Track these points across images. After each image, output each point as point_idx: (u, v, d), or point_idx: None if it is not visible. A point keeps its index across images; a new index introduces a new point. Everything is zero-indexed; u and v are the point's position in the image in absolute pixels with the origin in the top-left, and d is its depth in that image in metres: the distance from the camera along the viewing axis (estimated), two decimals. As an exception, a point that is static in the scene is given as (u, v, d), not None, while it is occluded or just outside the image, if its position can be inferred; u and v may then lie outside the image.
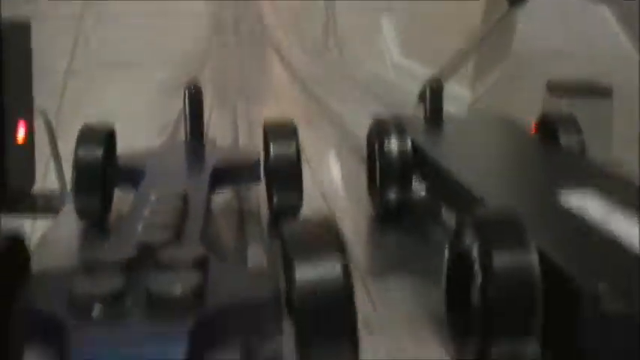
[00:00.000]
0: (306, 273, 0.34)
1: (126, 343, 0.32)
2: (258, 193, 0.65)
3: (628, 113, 1.03)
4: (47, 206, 0.88)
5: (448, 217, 0.56)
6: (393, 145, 0.61)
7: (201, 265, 0.37)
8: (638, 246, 0.39)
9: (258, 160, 0.62)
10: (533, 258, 0.36)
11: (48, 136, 1.09)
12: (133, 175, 0.60)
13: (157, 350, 0.32)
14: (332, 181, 0.79)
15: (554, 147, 0.62)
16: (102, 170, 0.59)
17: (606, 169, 0.55)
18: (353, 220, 0.64)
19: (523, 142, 0.65)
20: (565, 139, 0.63)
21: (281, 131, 0.61)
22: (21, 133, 0.85)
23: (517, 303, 0.35)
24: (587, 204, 0.46)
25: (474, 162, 0.58)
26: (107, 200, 0.61)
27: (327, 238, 0.35)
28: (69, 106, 1.50)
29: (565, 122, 0.64)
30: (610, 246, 0.40)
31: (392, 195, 0.61)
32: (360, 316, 0.35)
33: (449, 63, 1.22)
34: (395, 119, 0.63)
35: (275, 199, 0.60)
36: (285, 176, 0.60)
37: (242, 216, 0.64)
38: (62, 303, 0.34)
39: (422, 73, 1.26)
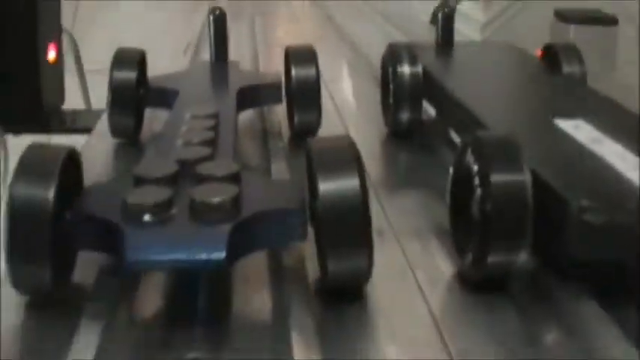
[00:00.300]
0: (329, 185, 0.39)
1: (174, 243, 0.38)
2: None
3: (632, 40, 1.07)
4: (76, 124, 0.93)
5: (454, 137, 0.61)
6: (405, 69, 0.66)
7: (236, 178, 0.42)
8: (620, 167, 0.44)
9: (280, 83, 0.67)
10: (526, 176, 0.41)
11: (74, 57, 1.13)
12: (164, 96, 0.64)
13: (201, 249, 0.37)
14: (348, 102, 0.83)
15: (556, 75, 0.66)
16: (135, 91, 0.64)
17: (603, 97, 0.59)
18: (367, 137, 0.68)
19: (527, 69, 0.69)
20: (567, 68, 0.67)
21: (302, 56, 0.66)
22: (52, 55, 0.90)
23: (510, 215, 0.40)
24: (581, 129, 0.51)
25: (479, 87, 0.63)
26: (139, 119, 0.66)
27: (346, 154, 0.41)
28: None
29: (568, 52, 0.68)
30: (596, 166, 0.45)
31: (404, 115, 0.66)
32: (373, 225, 0.40)
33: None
34: (408, 46, 0.68)
35: (296, 119, 0.65)
36: (306, 97, 0.65)
37: (265, 134, 0.69)
38: (116, 211, 0.40)
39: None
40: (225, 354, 0.37)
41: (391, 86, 0.66)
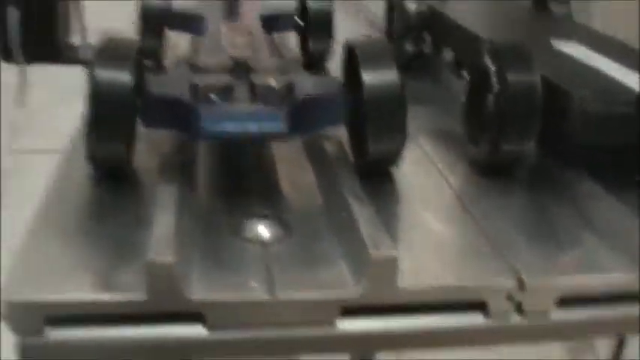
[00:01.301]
0: (373, 76, 0.46)
1: (243, 117, 0.44)
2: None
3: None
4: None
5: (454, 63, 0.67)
6: (411, 4, 0.72)
7: (286, 70, 0.48)
8: (614, 74, 0.51)
9: (294, 11, 0.73)
10: (537, 76, 0.48)
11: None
12: (188, 21, 0.70)
13: (266, 121, 0.43)
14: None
15: (546, 13, 0.73)
16: (162, 17, 0.70)
17: (590, 28, 0.67)
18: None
19: (520, 7, 0.76)
20: (555, 8, 0.74)
21: None
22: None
23: (523, 107, 0.47)
24: (576, 49, 0.58)
25: (480, 18, 0.69)
26: (163, 42, 0.72)
27: (385, 51, 0.47)
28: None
29: None
30: (592, 71, 0.52)
31: (408, 47, 0.73)
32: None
33: None
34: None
35: (310, 45, 0.71)
36: (319, 25, 0.71)
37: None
38: (186, 93, 0.46)
39: None
40: (286, 214, 0.44)
41: (395, 20, 0.73)
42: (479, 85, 0.50)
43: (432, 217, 0.45)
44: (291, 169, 0.50)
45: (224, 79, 0.46)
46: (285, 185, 0.48)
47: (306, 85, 0.48)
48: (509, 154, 0.49)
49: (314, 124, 0.48)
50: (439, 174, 0.50)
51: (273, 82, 0.46)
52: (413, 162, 0.50)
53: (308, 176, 0.49)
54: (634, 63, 0.54)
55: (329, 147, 0.50)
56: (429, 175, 0.50)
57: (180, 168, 0.47)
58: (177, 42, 0.75)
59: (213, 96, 0.45)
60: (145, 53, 0.70)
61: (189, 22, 0.71)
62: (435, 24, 0.71)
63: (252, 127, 0.44)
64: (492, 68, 0.49)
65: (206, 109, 0.44)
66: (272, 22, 0.72)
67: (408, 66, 0.73)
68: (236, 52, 0.52)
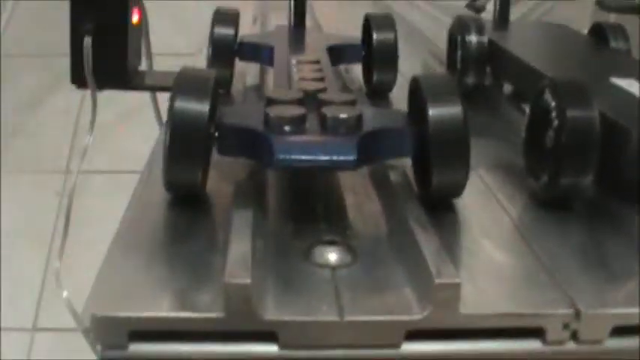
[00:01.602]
0: (438, 110, 0.48)
1: (314, 147, 0.46)
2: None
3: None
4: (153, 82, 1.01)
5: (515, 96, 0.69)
6: (473, 37, 0.74)
7: (353, 103, 0.51)
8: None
9: (360, 44, 0.75)
10: (595, 112, 0.49)
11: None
12: (258, 51, 0.73)
13: (336, 152, 0.46)
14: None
15: (605, 47, 0.75)
16: (232, 46, 0.73)
17: None
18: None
19: (579, 42, 0.78)
20: (614, 43, 0.76)
21: (382, 22, 0.74)
22: (135, 18, 0.99)
23: (581, 143, 0.49)
24: (634, 86, 0.59)
25: (540, 53, 0.71)
26: (232, 71, 0.75)
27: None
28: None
29: (615, 29, 0.77)
30: None
31: (469, 79, 0.75)
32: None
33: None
34: (474, 18, 0.76)
35: (375, 77, 0.74)
36: (383, 56, 0.73)
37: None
38: (259, 123, 0.48)
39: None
40: (353, 240, 0.46)
41: (459, 53, 0.75)
42: (539, 120, 0.52)
43: (491, 246, 0.47)
44: (358, 197, 0.52)
45: (296, 110, 0.49)
46: (352, 212, 0.50)
47: (374, 117, 0.50)
48: (567, 189, 0.50)
49: (381, 155, 0.50)
50: (499, 205, 0.52)
51: (342, 113, 0.48)
52: (474, 193, 0.52)
53: (374, 204, 0.51)
54: None
55: (394, 177, 0.52)
56: (490, 206, 0.52)
57: (252, 194, 0.49)
58: (243, 70, 0.78)
59: (286, 127, 0.47)
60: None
61: (259, 52, 0.74)
62: (494, 57, 0.73)
63: (323, 158, 0.46)
64: (552, 104, 0.51)
65: (279, 140, 0.47)
66: (338, 53, 0.75)
67: (469, 98, 0.76)
68: (306, 84, 0.55)
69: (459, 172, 0.48)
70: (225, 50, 0.74)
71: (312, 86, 0.55)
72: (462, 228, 0.49)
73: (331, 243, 0.46)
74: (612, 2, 1.21)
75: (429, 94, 0.49)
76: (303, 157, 0.46)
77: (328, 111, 0.49)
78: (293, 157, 0.46)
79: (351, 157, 0.46)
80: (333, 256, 0.44)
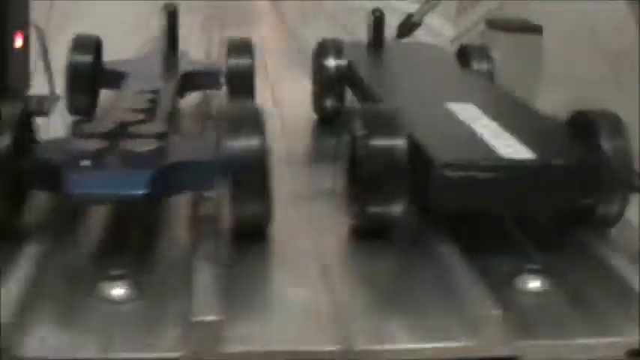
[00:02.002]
0: (233, 145, 0.48)
1: (105, 180, 0.46)
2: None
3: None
4: (40, 108, 1.00)
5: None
6: (331, 61, 0.75)
7: (162, 136, 0.50)
8: (488, 137, 0.53)
9: (220, 69, 0.75)
10: (400, 140, 0.49)
11: (40, 47, 1.20)
12: (116, 78, 0.73)
13: (126, 186, 0.46)
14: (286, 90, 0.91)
15: (464, 71, 0.75)
16: (91, 73, 0.73)
17: (502, 89, 0.68)
18: (299, 121, 0.77)
19: (440, 65, 0.78)
20: (476, 65, 0.76)
21: (239, 47, 0.74)
22: (19, 42, 0.97)
23: (386, 171, 0.49)
24: (467, 110, 0.59)
25: (387, 77, 0.71)
26: (94, 98, 0.75)
27: (249, 120, 0.49)
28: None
29: (478, 51, 0.78)
30: (465, 136, 0.54)
31: (329, 103, 0.75)
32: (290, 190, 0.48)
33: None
34: (335, 42, 0.76)
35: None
36: (241, 84, 0.73)
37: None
38: (60, 158, 0.48)
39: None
40: (146, 276, 0.46)
41: (319, 77, 0.75)
42: (352, 148, 0.52)
43: (288, 279, 0.46)
44: (167, 228, 0.52)
45: (97, 144, 0.48)
46: (159, 247, 0.50)
47: (179, 149, 0.50)
48: (377, 217, 0.50)
49: (184, 187, 0.50)
50: (312, 234, 0.52)
51: (140, 147, 0.48)
52: (288, 222, 0.52)
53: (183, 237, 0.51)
54: (526, 127, 0.56)
55: (204, 208, 0.52)
56: (300, 236, 0.52)
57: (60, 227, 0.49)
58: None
59: (83, 161, 0.47)
60: (73, 109, 0.74)
61: (118, 79, 0.73)
62: (352, 80, 0.73)
63: (115, 192, 0.46)
64: (358, 133, 0.51)
65: (74, 174, 0.46)
66: (195, 80, 0.74)
67: (330, 122, 0.76)
68: (129, 115, 0.55)
69: (257, 204, 0.48)
70: (83, 77, 0.73)
71: (130, 117, 0.54)
72: (262, 261, 0.49)
73: (118, 277, 0.45)
74: (500, 22, 1.22)
75: (231, 125, 0.49)
76: (96, 191, 0.46)
77: (128, 144, 0.48)
78: (86, 191, 0.46)
79: (142, 191, 0.46)
80: (118, 290, 0.44)
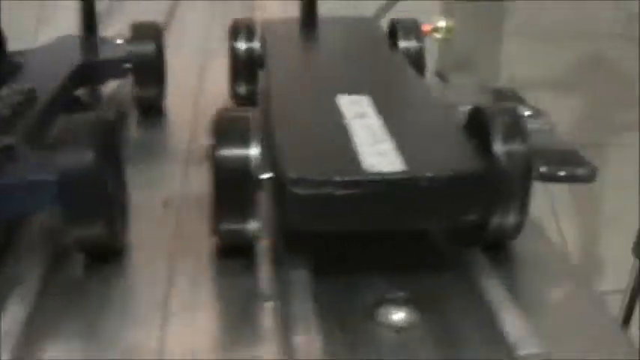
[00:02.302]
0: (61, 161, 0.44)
1: None
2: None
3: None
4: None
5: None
6: (241, 43, 0.69)
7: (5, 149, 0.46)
8: (362, 141, 0.48)
9: (126, 56, 0.70)
10: (251, 150, 0.45)
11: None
12: (14, 70, 0.68)
13: None
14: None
15: (389, 50, 0.69)
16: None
17: (414, 76, 0.62)
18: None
19: (362, 46, 0.71)
20: (405, 43, 0.71)
21: (144, 32, 0.69)
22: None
23: (232, 185, 0.45)
24: (355, 104, 0.54)
25: (296, 63, 0.66)
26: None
27: (82, 132, 0.45)
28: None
29: (406, 26, 0.72)
30: (334, 141, 0.48)
31: (242, 89, 0.70)
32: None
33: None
34: (249, 22, 0.71)
35: (137, 92, 0.69)
36: (147, 72, 0.69)
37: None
38: None
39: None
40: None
41: (230, 60, 0.70)
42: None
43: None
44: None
45: None
46: None
47: (11, 166, 0.46)
48: (229, 234, 0.46)
49: (12, 211, 0.46)
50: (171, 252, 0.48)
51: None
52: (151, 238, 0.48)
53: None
54: (415, 128, 0.50)
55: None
56: (157, 256, 0.48)
57: None
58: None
59: None
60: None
61: (15, 73, 0.68)
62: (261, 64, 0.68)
63: None
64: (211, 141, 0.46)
65: None
66: (97, 71, 0.70)
67: (246, 104, 0.71)
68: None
69: (93, 226, 0.44)
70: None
71: None
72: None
73: None
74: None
75: (61, 137, 0.45)
76: None
77: None
78: None
79: None
80: None
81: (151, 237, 0.51)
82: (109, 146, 0.46)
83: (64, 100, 0.63)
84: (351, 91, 0.56)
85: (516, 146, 0.47)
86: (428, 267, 0.47)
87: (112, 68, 0.70)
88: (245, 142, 0.45)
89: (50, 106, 0.59)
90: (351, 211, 0.44)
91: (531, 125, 0.73)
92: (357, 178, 0.43)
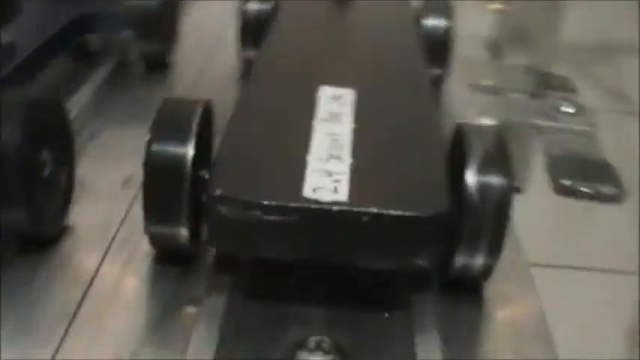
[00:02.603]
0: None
1: None
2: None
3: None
4: None
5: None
6: (252, 6, 0.65)
7: None
8: (319, 149, 0.43)
9: (119, 11, 0.66)
10: (183, 150, 0.40)
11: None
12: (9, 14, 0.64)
13: None
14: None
15: (405, 37, 0.62)
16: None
17: (419, 67, 0.55)
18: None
19: (382, 27, 0.64)
20: (433, 21, 0.65)
21: None
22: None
23: (162, 187, 0.41)
24: (335, 100, 0.48)
25: (295, 40, 0.60)
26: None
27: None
28: None
29: (435, 6, 0.66)
30: (283, 150, 0.43)
31: (249, 53, 0.65)
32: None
33: None
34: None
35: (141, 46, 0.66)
36: (148, 26, 0.64)
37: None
38: None
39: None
40: None
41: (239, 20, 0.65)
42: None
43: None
44: None
45: None
46: None
47: None
48: (160, 238, 0.42)
49: None
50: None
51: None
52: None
53: None
54: (386, 143, 0.45)
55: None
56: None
57: None
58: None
59: None
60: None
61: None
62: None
63: None
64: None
65: None
66: (96, 21, 0.66)
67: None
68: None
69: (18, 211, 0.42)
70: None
71: None
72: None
73: None
74: None
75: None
76: None
77: None
78: None
79: None
80: None
81: (93, 223, 0.47)
82: (40, 129, 0.43)
83: (53, 52, 0.59)
84: (339, 81, 0.51)
85: (492, 179, 0.41)
86: (371, 308, 0.42)
87: (111, 20, 0.66)
88: (182, 139, 0.41)
89: (28, 62, 0.55)
90: (281, 239, 0.39)
91: (568, 125, 0.68)
92: (289, 204, 0.38)
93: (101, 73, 0.67)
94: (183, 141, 0.41)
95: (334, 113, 0.47)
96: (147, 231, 0.42)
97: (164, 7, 0.65)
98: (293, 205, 0.38)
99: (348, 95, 0.49)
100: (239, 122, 0.45)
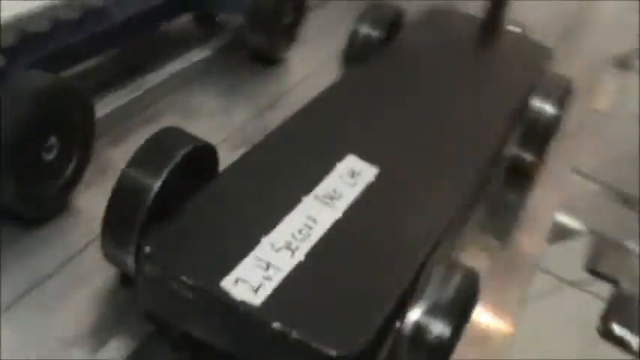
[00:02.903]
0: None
1: None
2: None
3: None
4: None
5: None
6: (364, 29, 0.63)
7: None
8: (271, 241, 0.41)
9: None
10: (156, 185, 0.41)
11: None
12: None
13: None
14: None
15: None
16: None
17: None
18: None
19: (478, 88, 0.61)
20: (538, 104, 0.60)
21: None
22: None
23: (120, 211, 0.41)
24: (345, 179, 0.46)
25: (373, 80, 0.58)
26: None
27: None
28: None
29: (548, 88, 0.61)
30: (236, 228, 0.41)
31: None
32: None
33: None
34: (382, 8, 0.64)
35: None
36: (260, 18, 0.64)
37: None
38: None
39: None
40: None
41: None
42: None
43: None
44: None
45: None
46: None
47: None
48: (112, 260, 0.44)
49: None
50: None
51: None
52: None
53: None
54: (370, 245, 0.42)
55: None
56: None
57: None
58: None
59: None
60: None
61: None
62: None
63: None
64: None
65: None
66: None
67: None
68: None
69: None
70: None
71: None
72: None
73: None
74: None
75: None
76: None
77: None
78: None
79: None
80: None
81: (90, 211, 0.49)
82: (49, 115, 0.45)
83: (148, 27, 0.60)
84: (372, 153, 0.48)
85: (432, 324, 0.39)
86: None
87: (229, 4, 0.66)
88: (155, 173, 0.41)
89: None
90: (191, 316, 0.39)
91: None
92: (202, 286, 0.38)
93: (213, 44, 0.67)
94: (155, 173, 0.41)
95: (335, 193, 0.45)
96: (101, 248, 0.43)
97: (281, 3, 0.64)
98: (205, 289, 0.38)
99: (368, 174, 0.47)
100: (225, 177, 0.44)
